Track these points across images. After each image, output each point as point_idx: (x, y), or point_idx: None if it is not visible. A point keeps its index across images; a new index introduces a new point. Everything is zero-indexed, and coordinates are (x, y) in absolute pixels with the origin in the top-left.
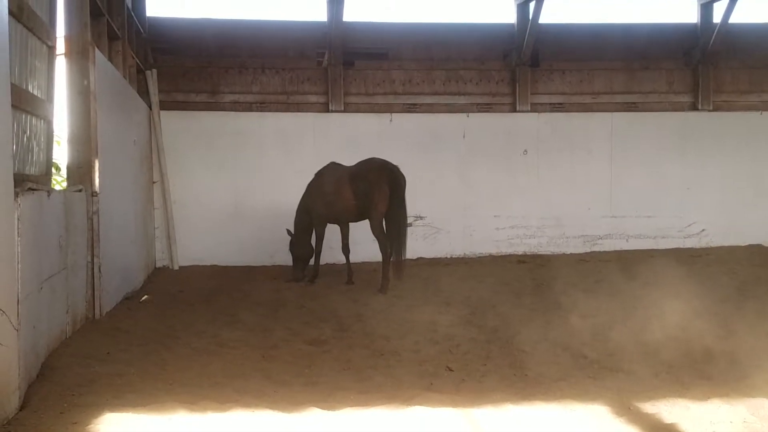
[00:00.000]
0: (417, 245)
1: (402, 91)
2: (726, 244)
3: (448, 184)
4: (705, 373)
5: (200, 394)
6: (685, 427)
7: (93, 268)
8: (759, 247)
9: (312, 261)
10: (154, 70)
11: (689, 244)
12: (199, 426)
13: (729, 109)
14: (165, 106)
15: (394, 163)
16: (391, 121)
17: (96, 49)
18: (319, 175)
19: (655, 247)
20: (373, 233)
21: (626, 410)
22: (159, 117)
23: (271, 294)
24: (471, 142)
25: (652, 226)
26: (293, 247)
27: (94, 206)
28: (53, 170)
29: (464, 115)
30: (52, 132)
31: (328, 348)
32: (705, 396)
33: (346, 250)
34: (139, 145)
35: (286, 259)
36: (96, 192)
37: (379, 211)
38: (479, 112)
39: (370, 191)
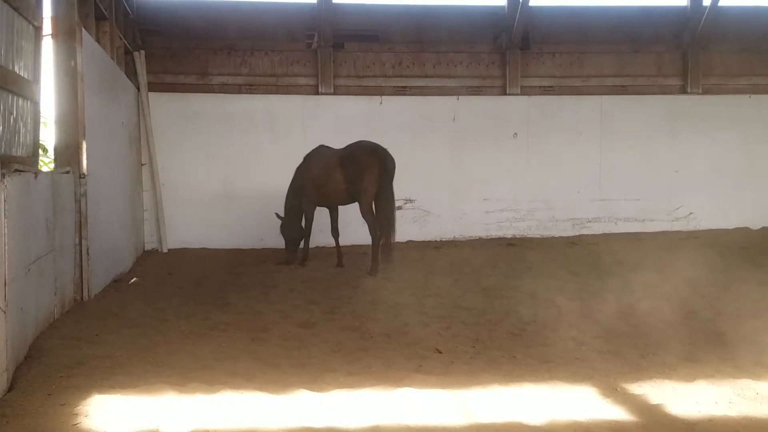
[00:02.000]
0: (407, 228)
1: (392, 74)
2: (714, 227)
3: (438, 167)
4: (691, 354)
5: (189, 376)
6: (671, 407)
7: (81, 251)
8: (746, 230)
9: (303, 244)
10: (142, 52)
11: (677, 227)
12: (189, 408)
13: (718, 93)
14: (153, 87)
15: (384, 146)
16: (381, 103)
17: (83, 29)
18: (309, 158)
19: (643, 230)
20: (363, 216)
21: (613, 391)
22: (147, 99)
23: (261, 277)
24: (461, 125)
25: (640, 209)
26: (284, 230)
27: (81, 188)
28: (40, 152)
29: (454, 97)
30: (39, 113)
31: (318, 330)
32: (691, 377)
33: (335, 233)
34: (127, 126)
35: (275, 242)
36: (84, 174)
37: (368, 194)
38: (469, 95)
39: (360, 174)
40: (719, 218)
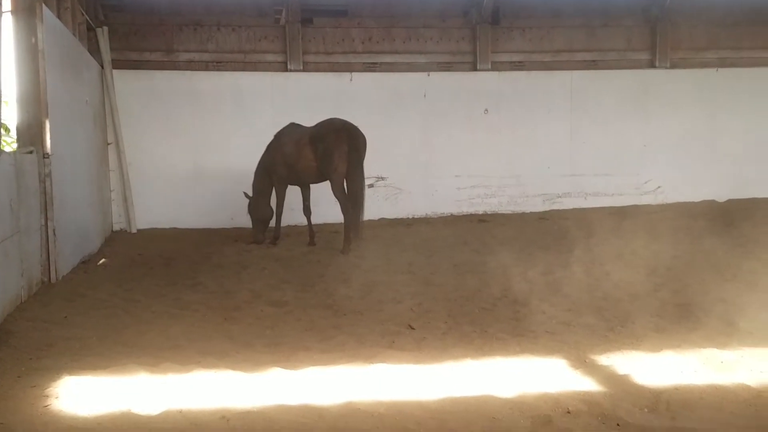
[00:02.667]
0: (379, 206)
1: (362, 50)
2: (681, 200)
3: (409, 144)
4: (658, 325)
5: (161, 356)
6: (638, 377)
7: (47, 232)
8: (712, 202)
9: (272, 223)
10: (105, 28)
11: (646, 201)
12: (161, 388)
13: (686, 67)
14: (118, 65)
15: (355, 123)
16: (351, 80)
17: (43, 5)
18: (279, 136)
19: (612, 205)
20: (334, 194)
21: (582, 363)
22: (112, 76)
23: (232, 256)
24: (432, 101)
25: (609, 183)
26: (252, 209)
27: (46, 168)
28: (2, 132)
29: (425, 74)
30: None
31: (291, 309)
32: (658, 348)
33: (307, 211)
34: (91, 105)
35: (246, 221)
36: (47, 153)
37: (339, 173)
38: (440, 71)
39: (330, 152)
40: (686, 191)
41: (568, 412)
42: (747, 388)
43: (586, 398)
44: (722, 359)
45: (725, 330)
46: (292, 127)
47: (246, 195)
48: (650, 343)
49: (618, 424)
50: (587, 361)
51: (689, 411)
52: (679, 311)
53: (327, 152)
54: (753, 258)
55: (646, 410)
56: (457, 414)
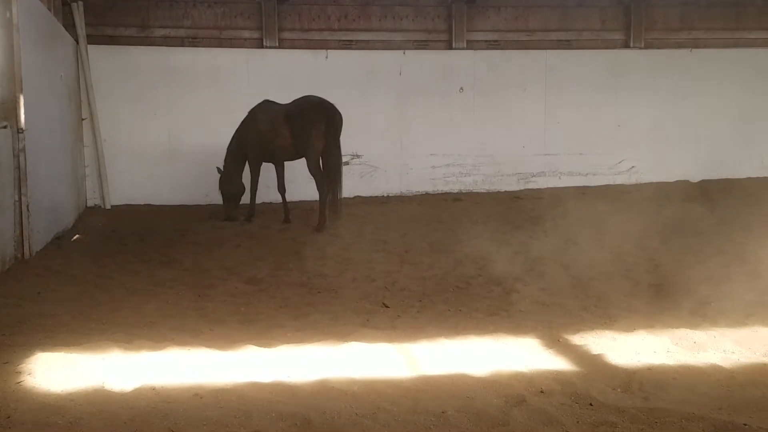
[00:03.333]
0: (354, 184)
1: (338, 27)
2: (655, 180)
3: (384, 122)
4: (631, 306)
5: (135, 333)
6: (611, 357)
7: (21, 207)
8: (686, 183)
9: (247, 199)
10: (80, 2)
11: (619, 180)
12: (134, 364)
13: (660, 47)
14: (93, 40)
15: (330, 101)
16: (326, 57)
17: None
18: (253, 113)
19: (586, 184)
20: (310, 172)
21: (556, 342)
22: (87, 51)
23: (207, 233)
24: (407, 79)
25: (584, 163)
26: (223, 185)
27: (20, 143)
28: None
29: (400, 52)
30: None
31: (265, 286)
32: (630, 327)
33: (281, 188)
34: (66, 80)
35: (220, 198)
36: (22, 129)
37: (315, 150)
38: (415, 49)
39: (307, 130)
40: (660, 172)
41: (542, 392)
42: (719, 369)
43: (559, 378)
44: (695, 340)
45: (698, 310)
46: (267, 104)
47: (218, 170)
48: (623, 323)
49: (591, 404)
50: (561, 340)
51: (662, 391)
52: (653, 291)
53: (303, 130)
54: (727, 239)
55: (618, 390)
56: (431, 393)
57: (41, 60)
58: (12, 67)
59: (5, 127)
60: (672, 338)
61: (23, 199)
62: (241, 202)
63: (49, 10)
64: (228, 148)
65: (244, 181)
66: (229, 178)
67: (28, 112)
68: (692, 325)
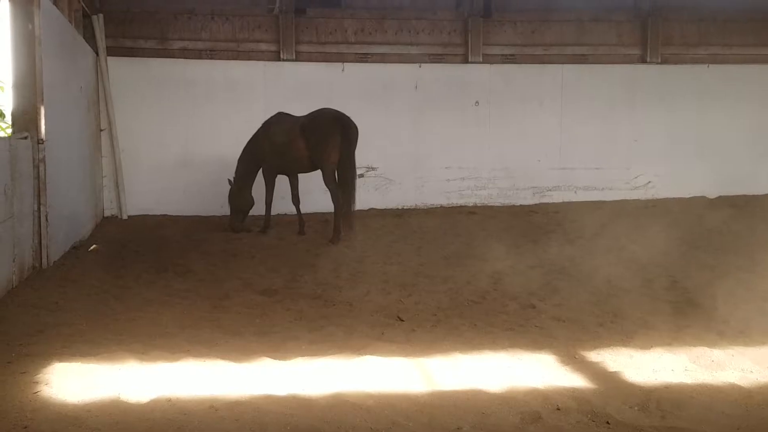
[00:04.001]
0: (369, 196)
1: (354, 41)
2: (671, 195)
3: (400, 135)
4: (648, 322)
5: (151, 344)
6: (629, 374)
7: (40, 217)
8: (702, 198)
9: (257, 212)
10: (101, 15)
11: (635, 195)
12: (150, 375)
13: (677, 62)
14: (112, 52)
15: (346, 113)
16: (343, 70)
17: None
18: (268, 125)
19: (602, 199)
20: (326, 184)
21: (572, 359)
22: (106, 63)
23: (222, 244)
24: (423, 92)
25: (599, 177)
26: (233, 197)
27: (40, 153)
28: None
29: (416, 65)
30: None
31: (280, 298)
32: (648, 345)
33: (296, 200)
34: (85, 91)
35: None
36: (42, 139)
37: (331, 162)
38: (431, 62)
39: (323, 142)
40: (677, 187)
41: (558, 409)
42: (738, 388)
43: (575, 395)
44: (713, 358)
45: (716, 328)
46: (281, 116)
47: (229, 181)
48: (641, 340)
49: (608, 422)
50: (577, 356)
51: (679, 410)
52: (670, 308)
53: (319, 142)
54: (744, 256)
55: (636, 408)
56: (447, 408)
57: (62, 71)
58: (33, 77)
59: (26, 137)
60: (690, 356)
61: (42, 208)
62: (256, 214)
63: (71, 22)
64: (239, 160)
65: (258, 193)
66: (239, 192)
67: (48, 123)
68: (710, 343)
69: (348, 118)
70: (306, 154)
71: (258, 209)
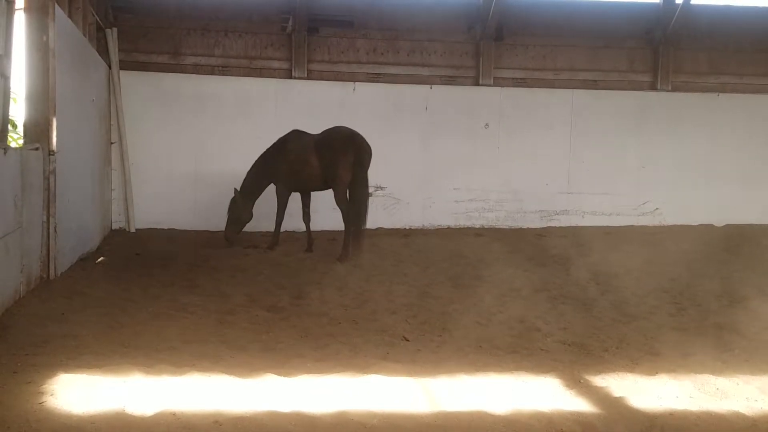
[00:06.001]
0: (377, 215)
1: (366, 60)
2: (678, 223)
3: (409, 155)
4: (654, 348)
5: (156, 357)
6: (633, 401)
7: (48, 228)
8: (710, 227)
9: (262, 228)
10: (115, 29)
11: (643, 222)
12: (155, 389)
13: (687, 90)
14: (125, 66)
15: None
16: (354, 90)
17: (56, 5)
18: (283, 142)
19: (610, 224)
20: (337, 203)
21: (577, 383)
22: (119, 77)
23: (229, 260)
24: (433, 114)
25: (607, 203)
26: (233, 206)
27: (50, 165)
28: (9, 127)
29: (427, 86)
30: (9, 89)
31: (286, 315)
32: (653, 371)
33: (306, 218)
34: (97, 104)
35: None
36: (53, 151)
37: (343, 181)
38: (442, 84)
39: (336, 161)
40: (684, 214)
41: None
42: (742, 417)
43: (579, 419)
44: (718, 386)
45: (721, 356)
46: (296, 133)
47: (235, 190)
48: (646, 366)
49: None
50: (582, 381)
51: None
52: (676, 335)
53: (332, 161)
54: (750, 285)
55: None
56: (450, 429)
57: (75, 84)
58: (46, 89)
59: (37, 148)
60: (695, 383)
61: (51, 220)
62: (264, 230)
63: (84, 35)
64: (248, 172)
65: (267, 209)
66: (241, 202)
67: (59, 135)
68: (715, 371)
69: (362, 137)
70: (319, 172)
71: (267, 225)
